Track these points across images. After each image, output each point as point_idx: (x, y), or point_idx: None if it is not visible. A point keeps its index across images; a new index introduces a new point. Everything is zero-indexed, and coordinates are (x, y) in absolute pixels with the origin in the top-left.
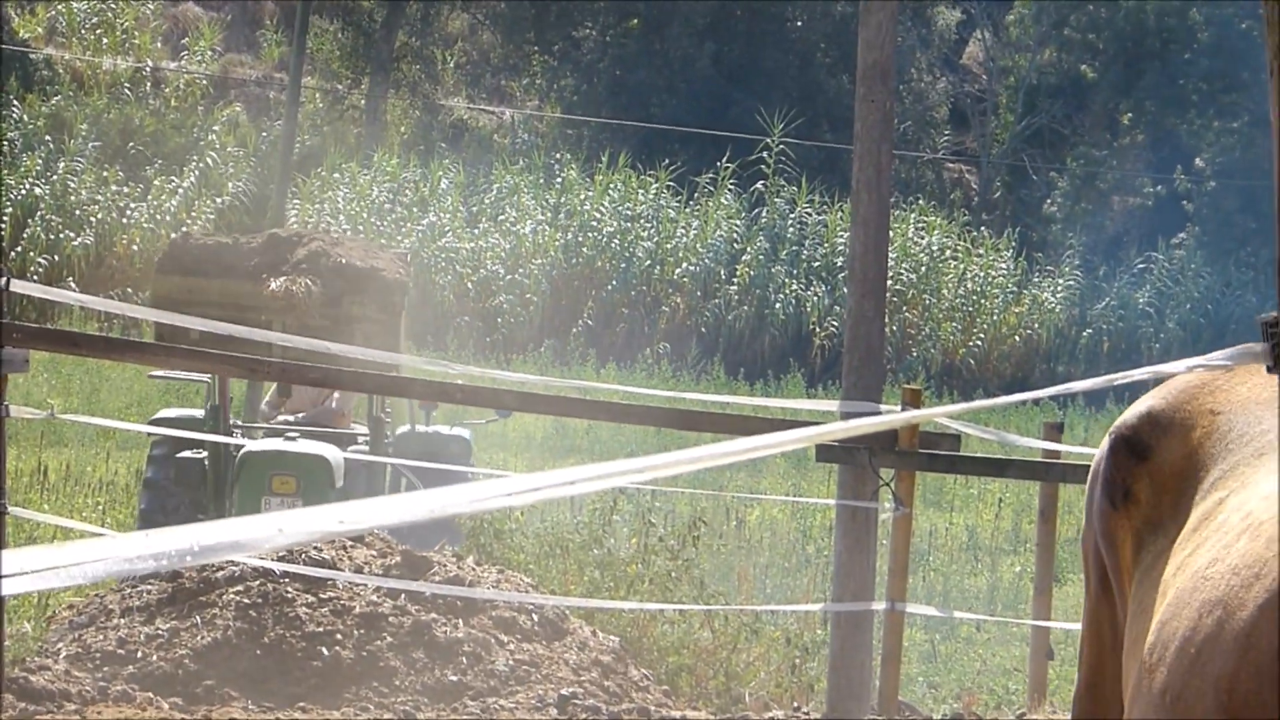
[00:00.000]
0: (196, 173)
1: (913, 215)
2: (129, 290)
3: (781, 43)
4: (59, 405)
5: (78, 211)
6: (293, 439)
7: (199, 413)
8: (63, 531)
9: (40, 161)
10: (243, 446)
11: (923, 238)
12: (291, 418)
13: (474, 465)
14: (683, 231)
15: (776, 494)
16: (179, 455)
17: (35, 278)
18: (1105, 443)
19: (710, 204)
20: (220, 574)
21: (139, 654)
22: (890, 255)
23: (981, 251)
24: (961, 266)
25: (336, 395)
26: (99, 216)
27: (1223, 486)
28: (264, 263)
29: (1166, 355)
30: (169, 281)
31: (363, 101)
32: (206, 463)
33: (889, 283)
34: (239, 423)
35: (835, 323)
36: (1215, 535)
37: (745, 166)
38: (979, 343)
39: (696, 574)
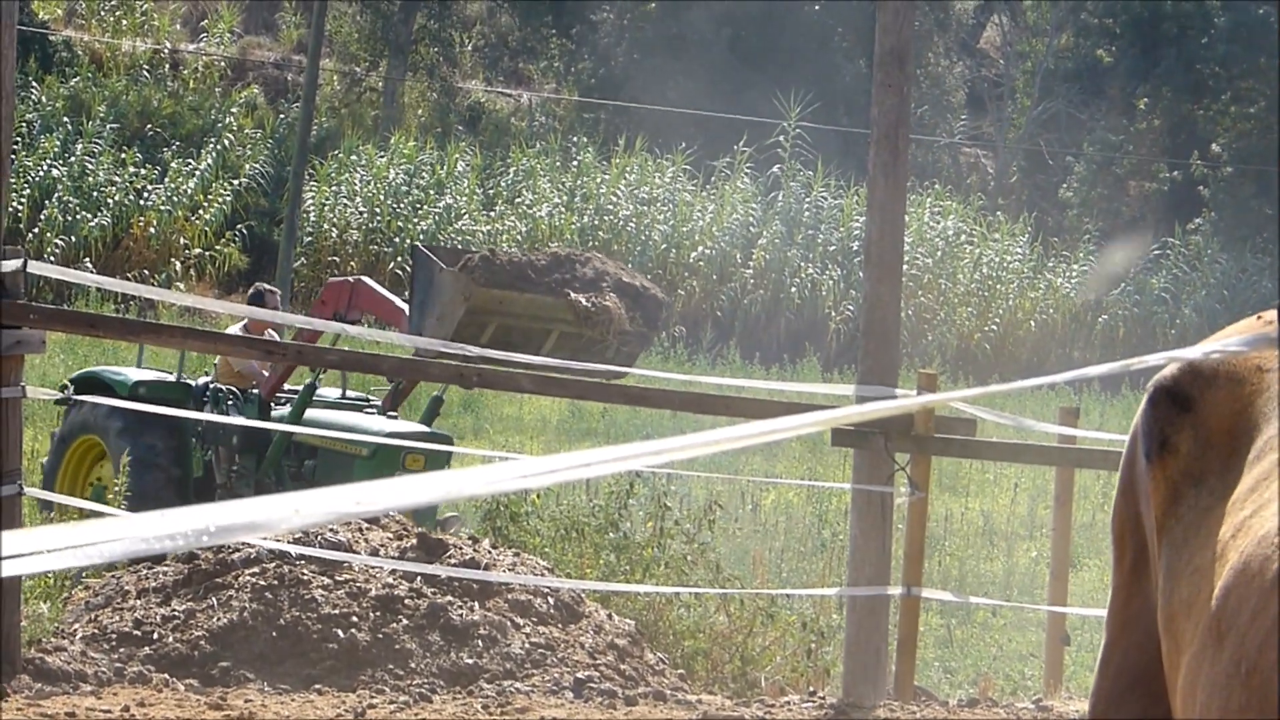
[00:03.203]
0: (214, 155)
1: (929, 200)
2: (145, 272)
3: (799, 27)
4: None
5: (95, 193)
6: (370, 410)
7: (169, 375)
8: (80, 513)
9: (58, 143)
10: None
11: (939, 222)
12: (229, 387)
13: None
14: (699, 215)
15: (792, 478)
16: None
17: (52, 259)
18: (1144, 399)
19: (726, 187)
20: (236, 556)
21: (155, 635)
22: (906, 240)
23: (997, 236)
24: (977, 251)
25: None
26: (116, 198)
27: (1279, 446)
28: (559, 279)
29: (1182, 341)
30: (486, 294)
31: (380, 84)
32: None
33: (905, 267)
34: (243, 391)
35: (851, 307)
36: None
37: (762, 150)
38: (994, 327)
39: (712, 558)
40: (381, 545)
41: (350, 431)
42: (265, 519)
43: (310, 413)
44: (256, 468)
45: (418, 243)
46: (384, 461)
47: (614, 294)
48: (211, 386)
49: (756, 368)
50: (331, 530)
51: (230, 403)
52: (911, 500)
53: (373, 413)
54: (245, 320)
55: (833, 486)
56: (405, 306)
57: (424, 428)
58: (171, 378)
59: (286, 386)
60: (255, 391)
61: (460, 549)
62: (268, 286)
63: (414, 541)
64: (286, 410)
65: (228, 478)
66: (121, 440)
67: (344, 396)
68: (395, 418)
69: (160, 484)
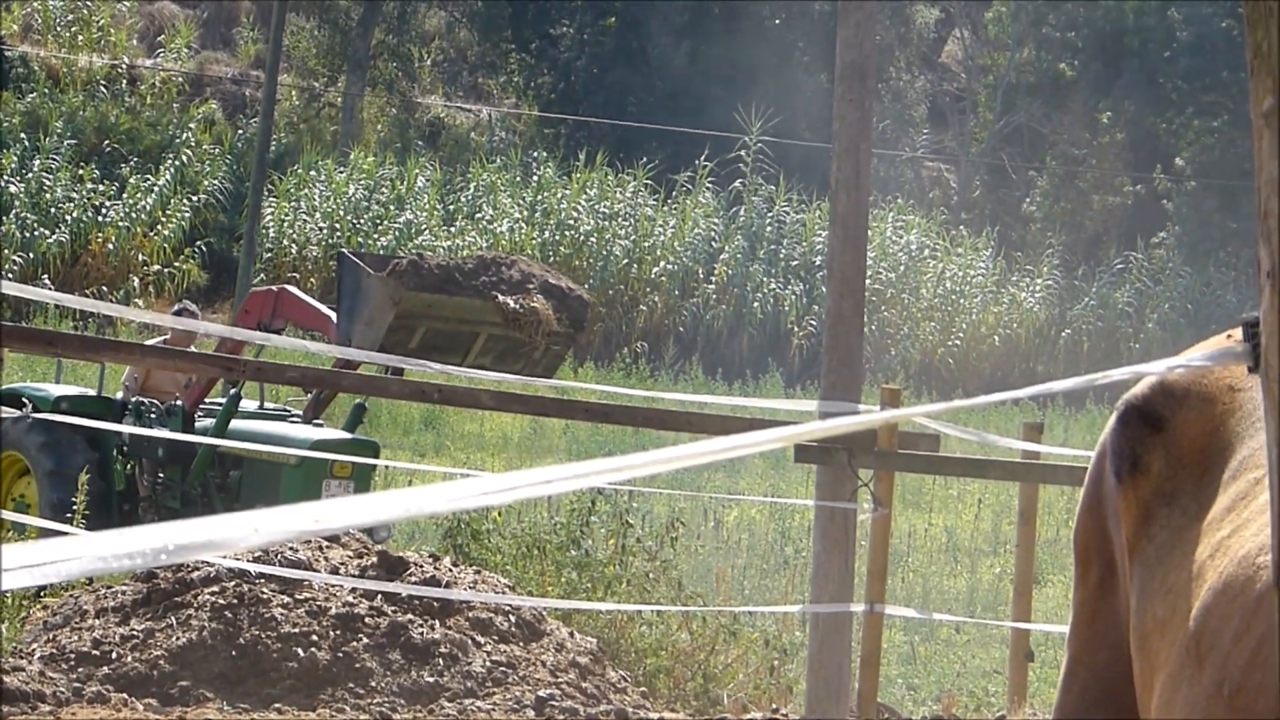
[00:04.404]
0: (172, 171)
1: (891, 214)
2: (104, 289)
3: (760, 41)
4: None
5: (53, 209)
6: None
7: (91, 390)
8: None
9: (15, 159)
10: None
11: (901, 236)
12: (150, 400)
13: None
14: (660, 230)
15: (755, 494)
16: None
17: (10, 276)
18: (1113, 417)
19: (688, 202)
20: (195, 574)
21: (114, 655)
22: (869, 254)
23: (960, 251)
24: (940, 265)
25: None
26: (74, 214)
27: (1255, 467)
28: (487, 282)
29: (1146, 355)
30: (415, 298)
31: (339, 99)
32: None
33: (867, 282)
34: (165, 404)
35: (814, 322)
36: (1258, 519)
37: (723, 165)
38: (958, 342)
39: (674, 575)
40: (342, 563)
41: (275, 442)
42: (224, 538)
43: (234, 423)
44: (182, 480)
45: (343, 249)
46: (311, 470)
47: (541, 295)
48: (133, 400)
49: (719, 384)
50: (291, 548)
51: (153, 416)
52: (875, 516)
53: (296, 422)
54: (167, 334)
55: (796, 503)
56: (332, 314)
57: (350, 435)
58: (93, 392)
59: (207, 399)
60: (178, 403)
61: (421, 567)
62: (190, 306)
63: (374, 560)
64: (209, 422)
65: (153, 491)
66: (43, 455)
67: (263, 406)
68: (320, 425)
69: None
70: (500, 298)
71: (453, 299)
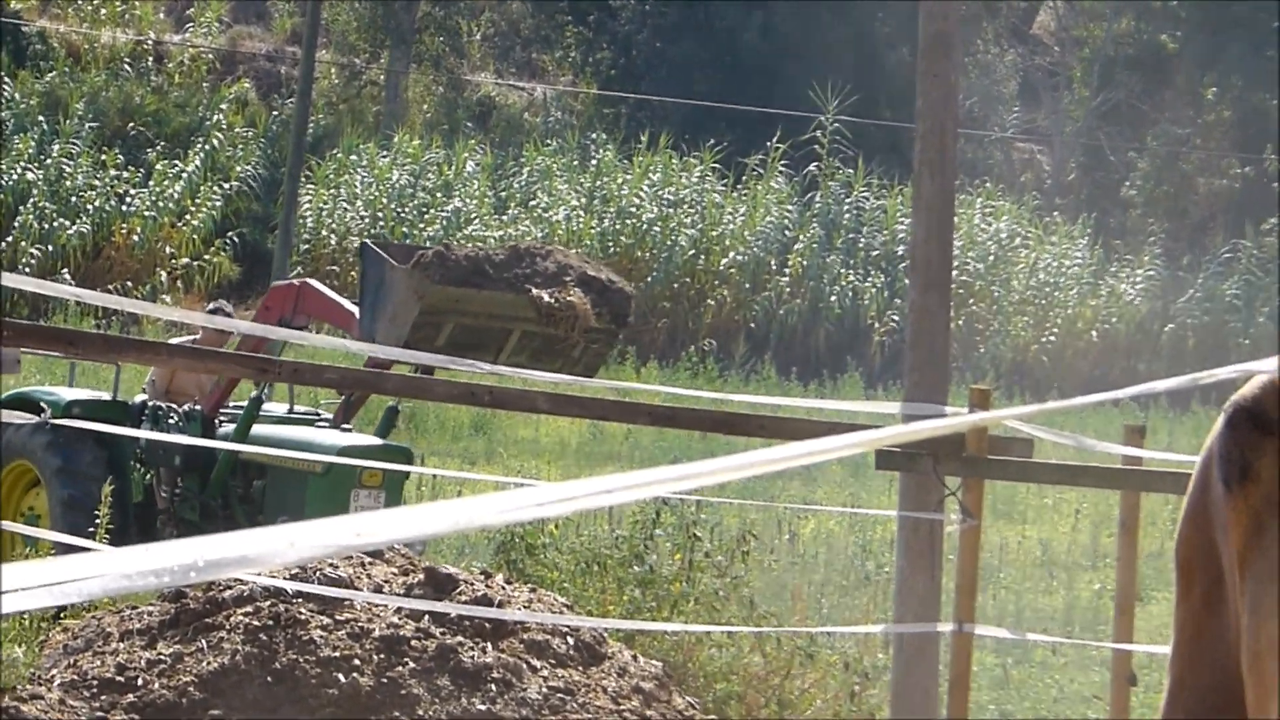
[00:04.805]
0: (202, 156)
1: (980, 199)
2: (128, 284)
3: (836, 12)
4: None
5: (73, 198)
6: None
7: (104, 394)
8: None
9: (33, 144)
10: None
11: (990, 224)
12: (168, 405)
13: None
14: (729, 218)
15: (833, 505)
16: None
17: (28, 270)
18: (1220, 419)
19: (759, 188)
20: (227, 594)
21: (139, 681)
22: (955, 243)
23: (1054, 239)
24: (1033, 255)
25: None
26: (96, 204)
27: None
28: (519, 274)
29: (1257, 353)
30: (441, 292)
31: (382, 77)
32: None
33: (954, 273)
34: (184, 409)
35: (896, 317)
36: None
37: (797, 147)
38: (1052, 338)
39: (746, 593)
40: (385, 581)
41: (299, 448)
42: (258, 553)
43: (257, 428)
44: (201, 490)
45: (366, 240)
46: (339, 479)
47: (579, 289)
48: (150, 404)
49: (794, 384)
50: (331, 565)
51: (171, 421)
52: (963, 528)
53: (324, 426)
54: (198, 334)
55: (877, 514)
56: (355, 310)
57: (380, 441)
58: (107, 396)
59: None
60: (196, 408)
61: (471, 585)
62: (225, 305)
63: (421, 577)
64: (231, 428)
65: (170, 502)
66: (50, 454)
67: (291, 410)
68: (349, 430)
69: (96, 509)
70: (534, 291)
71: (482, 293)
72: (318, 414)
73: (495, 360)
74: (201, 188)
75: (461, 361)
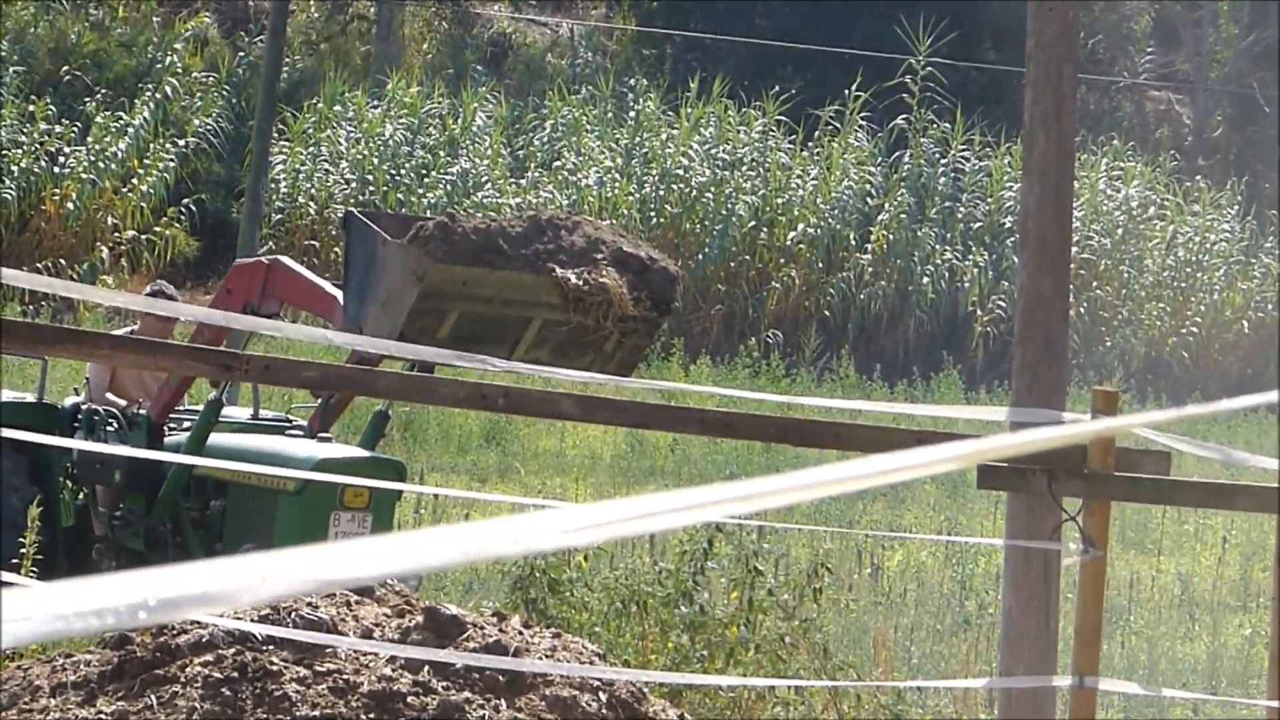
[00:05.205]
0: (151, 106)
1: (1105, 161)
2: (62, 261)
3: None
4: None
5: None
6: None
7: (29, 396)
8: None
9: None
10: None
11: (1119, 190)
12: (106, 410)
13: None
14: (798, 182)
15: (925, 532)
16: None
17: None
18: None
19: (835, 145)
20: (182, 639)
21: None
22: (1076, 214)
23: (1197, 208)
24: (1170, 228)
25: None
26: (23, 165)
27: None
28: (541, 250)
29: None
30: (445, 273)
31: (372, 10)
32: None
33: (1074, 250)
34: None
35: (1002, 303)
36: None
37: (881, 96)
38: (1194, 329)
39: (818, 639)
40: (376, 624)
41: (267, 461)
42: (222, 589)
43: (216, 438)
44: (147, 512)
45: (351, 209)
46: (316, 498)
47: (612, 268)
48: (85, 408)
49: (876, 385)
50: (309, 604)
51: (110, 428)
52: (1085, 560)
53: (297, 435)
54: (134, 324)
55: (980, 542)
56: (338, 293)
57: (366, 453)
58: (31, 398)
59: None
60: (141, 412)
61: (481, 629)
62: (166, 288)
63: (420, 619)
64: (184, 437)
65: (109, 527)
66: None
67: (257, 416)
68: (328, 440)
69: (16, 538)
70: (558, 271)
71: (495, 274)
72: (289, 420)
73: (510, 356)
74: (151, 145)
75: (470, 357)
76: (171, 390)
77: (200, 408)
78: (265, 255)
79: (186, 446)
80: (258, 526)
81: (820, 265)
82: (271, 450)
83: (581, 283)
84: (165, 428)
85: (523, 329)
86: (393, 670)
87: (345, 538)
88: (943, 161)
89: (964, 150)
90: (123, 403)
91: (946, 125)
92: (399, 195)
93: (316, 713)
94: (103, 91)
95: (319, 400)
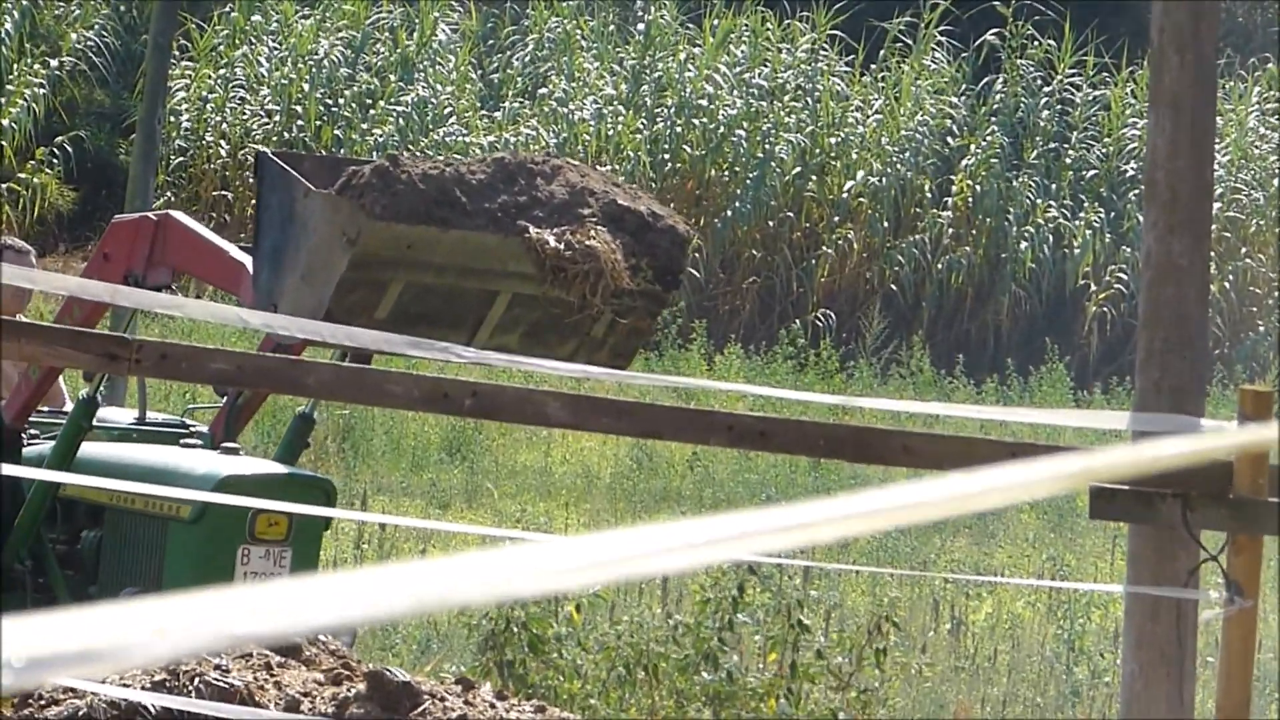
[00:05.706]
0: (14, 16)
1: (1257, 90)
2: None
3: None
4: None
5: None
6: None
7: None
8: None
9: None
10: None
11: (1275, 130)
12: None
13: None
14: (858, 117)
15: (1022, 575)
16: None
17: None
18: None
19: (905, 69)
20: (51, 712)
21: None
22: (1219, 160)
23: None
24: None
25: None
26: None
27: None
28: (509, 203)
29: None
30: (384, 232)
31: None
32: None
33: (1217, 207)
34: None
35: (1124, 274)
36: None
37: (964, 5)
38: None
39: (882, 715)
40: (305, 693)
41: (157, 479)
42: (107, 644)
43: (88, 448)
44: None
45: (263, 149)
46: (218, 528)
47: (603, 227)
48: None
49: (959, 382)
50: (218, 665)
51: None
52: (1230, 612)
53: (196, 445)
54: None
55: (1094, 589)
56: (246, 258)
57: (284, 469)
58: None
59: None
60: None
61: (441, 700)
62: (17, 243)
63: (361, 687)
64: (47, 447)
65: None
66: None
67: (143, 419)
68: (236, 452)
69: None
70: (532, 231)
71: (449, 234)
72: (185, 425)
73: (469, 341)
74: (16, 66)
75: (427, 344)
76: (32, 386)
77: (68, 410)
78: (157, 211)
79: (50, 460)
80: (143, 564)
81: (886, 225)
82: (161, 465)
83: (563, 246)
84: (22, 435)
85: (485, 307)
86: None
87: (257, 579)
88: (1046, 90)
89: (1073, 76)
90: None
91: (1051, 43)
92: (336, 132)
93: None
94: None
95: (223, 399)
